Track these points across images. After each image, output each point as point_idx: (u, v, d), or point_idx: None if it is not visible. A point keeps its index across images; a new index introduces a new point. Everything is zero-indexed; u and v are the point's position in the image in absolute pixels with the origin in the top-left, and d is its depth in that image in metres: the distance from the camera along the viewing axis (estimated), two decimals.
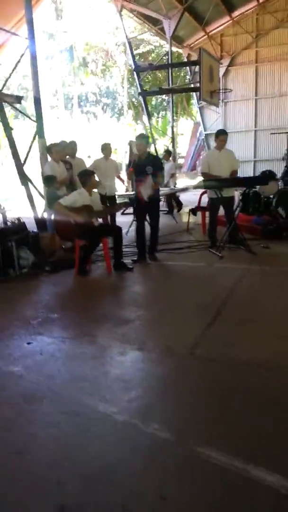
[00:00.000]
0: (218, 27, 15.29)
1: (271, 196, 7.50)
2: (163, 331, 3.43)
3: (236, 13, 14.92)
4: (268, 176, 6.99)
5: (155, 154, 6.07)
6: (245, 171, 15.96)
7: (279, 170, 9.36)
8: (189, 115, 27.06)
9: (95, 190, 5.38)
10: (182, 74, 18.60)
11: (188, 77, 12.90)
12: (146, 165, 5.52)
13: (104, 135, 21.66)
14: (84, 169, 5.68)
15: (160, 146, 19.74)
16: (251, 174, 15.95)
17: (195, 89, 10.67)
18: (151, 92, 13.45)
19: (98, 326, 3.56)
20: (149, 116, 12.35)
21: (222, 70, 15.20)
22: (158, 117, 28.01)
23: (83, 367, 2.86)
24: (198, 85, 9.40)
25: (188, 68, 14.36)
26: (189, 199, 10.04)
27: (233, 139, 16.13)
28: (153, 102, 27.17)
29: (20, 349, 3.18)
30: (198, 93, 16.19)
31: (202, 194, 7.62)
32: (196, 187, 6.07)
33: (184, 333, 3.32)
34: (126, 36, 12.24)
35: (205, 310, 3.77)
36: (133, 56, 12.82)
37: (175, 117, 18.01)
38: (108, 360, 2.95)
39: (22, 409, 2.39)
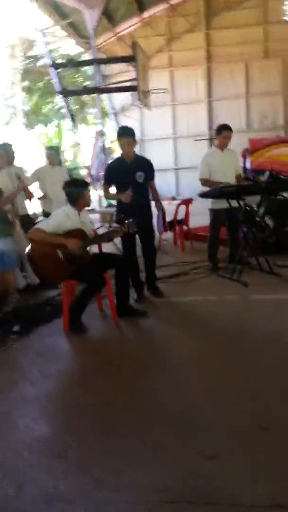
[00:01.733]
0: (128, 27, 14.32)
1: (254, 206, 6.57)
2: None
3: (146, 14, 14.13)
4: None
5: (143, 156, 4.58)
6: (167, 180, 15.23)
7: None
8: (87, 123, 25.68)
9: (87, 208, 3.74)
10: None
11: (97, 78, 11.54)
12: (135, 170, 4.05)
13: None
14: (72, 179, 3.96)
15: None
16: (173, 184, 15.29)
17: (130, 89, 9.42)
18: (74, 92, 11.81)
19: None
20: (74, 120, 10.76)
21: (133, 74, 14.27)
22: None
23: None
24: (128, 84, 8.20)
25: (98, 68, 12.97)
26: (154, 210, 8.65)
27: (151, 147, 15.33)
28: (44, 110, 25.04)
29: None
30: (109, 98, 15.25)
31: (179, 204, 6.38)
32: (204, 195, 4.74)
33: None
34: (39, 29, 10.47)
35: None
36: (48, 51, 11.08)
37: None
38: None
39: None
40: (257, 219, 6.41)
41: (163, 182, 15.05)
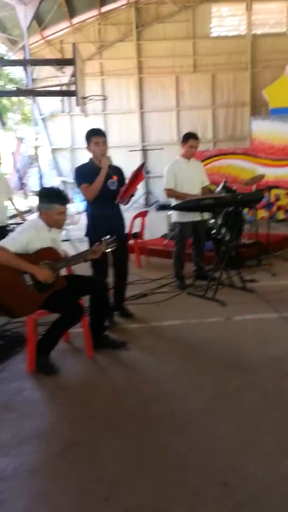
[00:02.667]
0: (57, 32, 13.68)
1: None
2: None
3: (77, 20, 13.63)
4: (261, 190, 5.67)
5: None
6: None
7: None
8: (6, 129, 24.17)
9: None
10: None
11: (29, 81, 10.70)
12: (106, 177, 3.54)
13: None
14: (46, 188, 3.26)
15: None
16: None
17: (69, 93, 8.79)
18: (5, 93, 10.78)
19: None
20: (3, 122, 9.78)
21: (65, 80, 13.65)
22: None
23: None
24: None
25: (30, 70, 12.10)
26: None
27: (82, 156, 14.71)
28: None
29: None
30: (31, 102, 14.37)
31: (135, 217, 5.91)
32: (178, 208, 4.34)
33: None
34: None
35: None
36: None
37: None
38: None
39: None
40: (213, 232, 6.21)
41: None
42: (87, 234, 3.72)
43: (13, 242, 2.79)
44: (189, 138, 4.63)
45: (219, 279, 4.36)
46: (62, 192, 3.01)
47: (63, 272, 3.17)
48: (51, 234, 3.02)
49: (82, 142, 14.79)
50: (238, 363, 2.92)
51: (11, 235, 2.87)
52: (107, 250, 3.14)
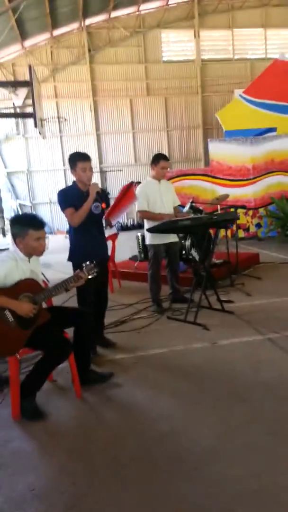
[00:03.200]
0: (9, 54, 13.46)
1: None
2: None
3: (28, 43, 13.50)
4: (235, 210, 5.63)
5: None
6: (59, 214, 14.44)
7: None
8: None
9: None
10: None
11: None
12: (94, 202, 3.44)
13: None
14: (17, 215, 3.03)
15: None
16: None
17: (27, 115, 8.59)
18: None
19: None
20: None
21: (18, 102, 13.42)
22: None
23: None
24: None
25: None
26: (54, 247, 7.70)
27: (39, 179, 14.44)
28: None
29: None
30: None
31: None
32: (155, 230, 4.25)
33: None
34: None
35: None
36: None
37: None
38: None
39: None
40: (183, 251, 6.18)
41: (54, 216, 14.26)
42: (70, 259, 3.54)
43: None
44: (160, 159, 4.59)
45: (199, 302, 4.29)
46: (37, 217, 2.82)
47: (44, 304, 2.95)
48: (30, 265, 2.81)
49: (38, 164, 14.58)
50: (235, 392, 2.82)
51: None
52: (89, 277, 2.97)
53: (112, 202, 4.44)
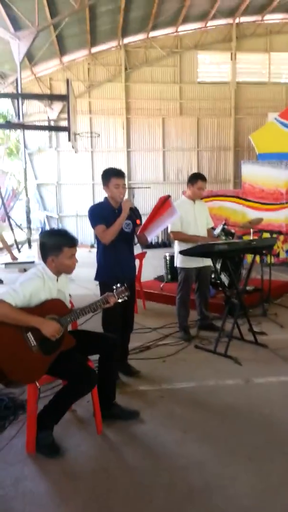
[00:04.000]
0: (47, 69, 13.71)
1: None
2: None
3: (67, 58, 13.74)
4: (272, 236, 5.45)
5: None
6: (84, 227, 14.40)
7: None
8: None
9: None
10: None
11: (20, 114, 10.48)
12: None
13: None
14: (48, 231, 2.84)
15: None
16: (91, 231, 14.40)
17: (61, 128, 8.60)
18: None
19: None
20: None
21: (53, 116, 13.58)
22: None
23: None
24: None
25: (18, 104, 11.88)
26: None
27: (68, 192, 14.47)
28: None
29: None
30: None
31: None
32: (190, 253, 4.01)
33: None
34: None
35: None
36: None
37: None
38: None
39: None
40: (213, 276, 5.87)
41: (79, 229, 14.21)
42: (97, 278, 3.34)
43: (14, 295, 2.36)
44: (198, 179, 4.36)
45: (231, 332, 4.00)
46: (69, 232, 2.62)
47: (69, 327, 2.73)
48: (58, 284, 2.60)
49: (67, 177, 14.62)
50: (274, 441, 2.51)
51: (11, 286, 2.44)
52: (119, 300, 2.75)
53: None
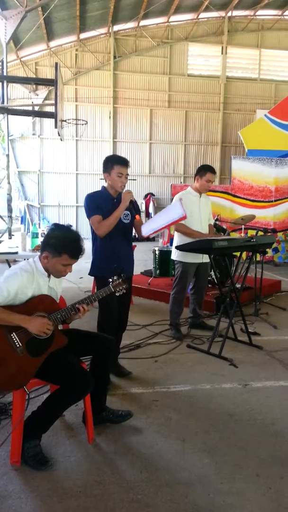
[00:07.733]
0: (33, 53, 13.22)
1: None
2: None
3: (54, 44, 13.28)
4: (271, 234, 5.33)
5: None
6: (67, 217, 14.06)
7: None
8: None
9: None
10: None
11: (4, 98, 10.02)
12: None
13: None
14: (65, 227, 2.51)
15: None
16: (74, 221, 14.11)
17: (48, 114, 8.22)
18: None
19: None
20: None
21: (37, 102, 13.13)
22: None
23: None
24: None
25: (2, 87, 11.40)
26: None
27: (50, 181, 14.07)
28: None
29: None
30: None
31: None
32: (187, 249, 3.81)
33: None
34: None
35: None
36: None
37: None
38: None
39: None
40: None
41: (61, 219, 13.86)
42: (93, 272, 3.10)
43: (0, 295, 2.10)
44: (207, 171, 4.10)
45: (226, 332, 3.83)
46: (79, 242, 2.32)
47: (60, 326, 2.49)
48: (50, 281, 2.35)
49: (50, 166, 14.21)
50: (281, 456, 2.34)
51: None
52: (116, 294, 2.51)
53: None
